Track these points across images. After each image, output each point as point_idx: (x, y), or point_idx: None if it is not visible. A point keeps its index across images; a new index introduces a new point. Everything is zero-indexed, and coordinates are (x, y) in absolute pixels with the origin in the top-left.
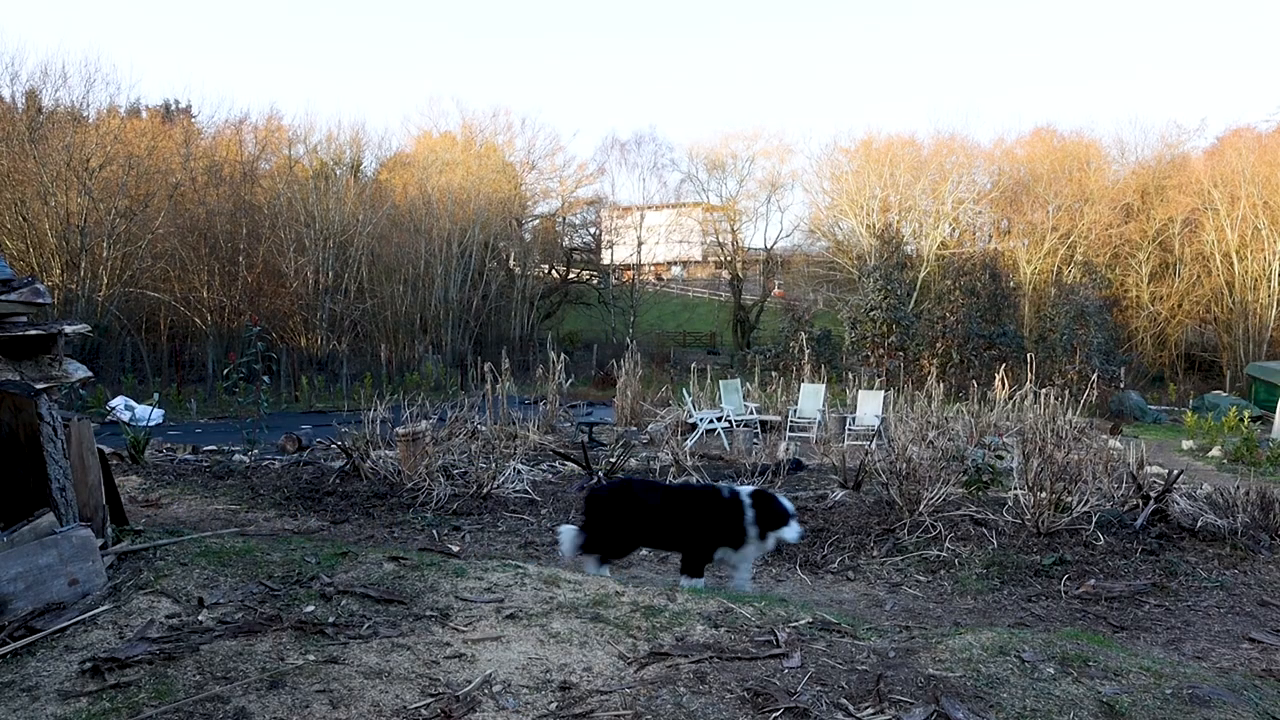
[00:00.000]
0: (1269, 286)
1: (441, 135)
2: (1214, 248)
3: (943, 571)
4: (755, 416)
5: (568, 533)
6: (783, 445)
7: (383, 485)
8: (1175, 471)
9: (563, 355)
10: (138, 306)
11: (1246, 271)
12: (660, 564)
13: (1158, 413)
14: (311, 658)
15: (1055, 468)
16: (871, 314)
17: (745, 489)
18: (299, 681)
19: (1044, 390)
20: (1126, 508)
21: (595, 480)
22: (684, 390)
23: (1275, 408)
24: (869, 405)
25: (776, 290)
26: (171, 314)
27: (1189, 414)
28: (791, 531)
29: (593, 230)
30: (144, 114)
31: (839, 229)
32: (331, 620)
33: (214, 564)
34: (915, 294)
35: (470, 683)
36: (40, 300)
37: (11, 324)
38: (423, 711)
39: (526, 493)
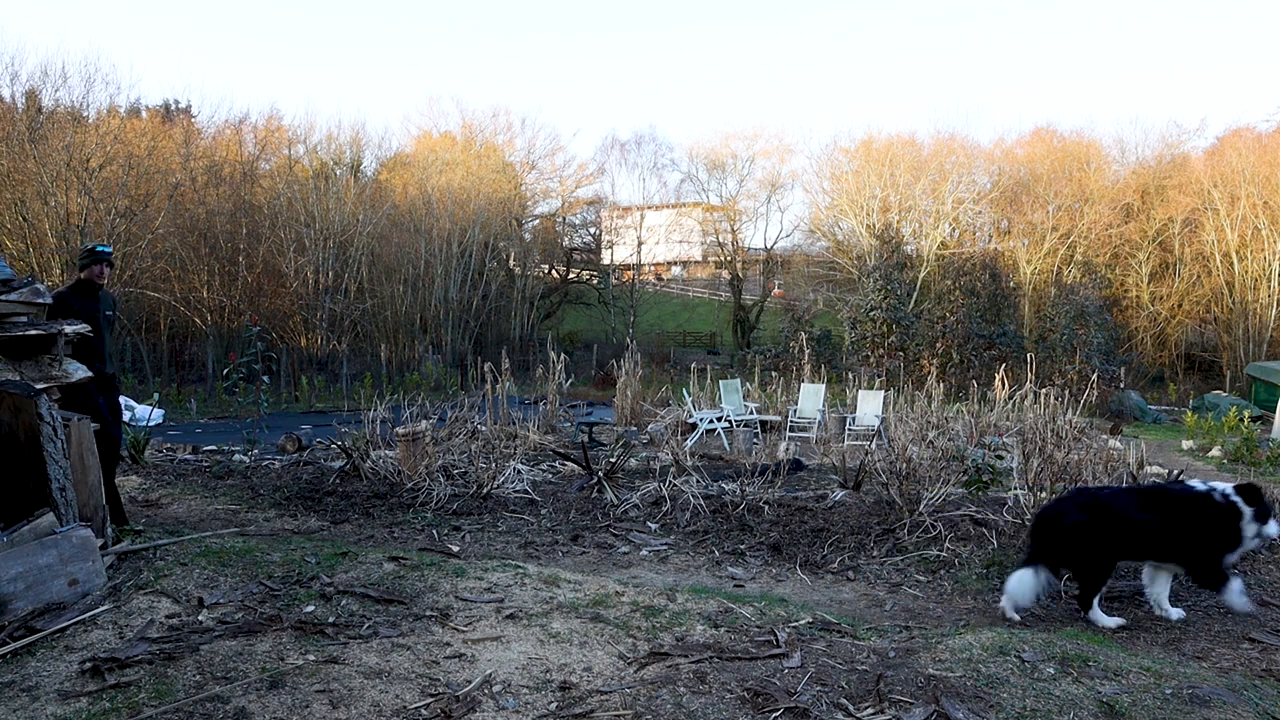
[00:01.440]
0: (1269, 286)
1: (441, 135)
2: (1214, 248)
3: (943, 571)
4: (755, 416)
5: (1022, 579)
6: (783, 445)
7: (383, 485)
8: (1175, 471)
9: (563, 355)
10: (138, 306)
11: (1246, 271)
12: (660, 564)
13: (1158, 413)
14: (311, 658)
15: (1055, 468)
16: (871, 314)
17: (1227, 485)
18: (299, 681)
19: (1044, 390)
20: None
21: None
22: (684, 390)
23: (1275, 408)
24: (869, 405)
25: (776, 290)
26: (171, 314)
27: (1189, 414)
28: (1274, 527)
29: (593, 230)
30: (144, 114)
31: (839, 229)
32: (331, 620)
33: (214, 564)
34: (915, 294)
35: (470, 683)
36: (40, 300)
37: (11, 324)
38: (423, 711)
39: (526, 493)
